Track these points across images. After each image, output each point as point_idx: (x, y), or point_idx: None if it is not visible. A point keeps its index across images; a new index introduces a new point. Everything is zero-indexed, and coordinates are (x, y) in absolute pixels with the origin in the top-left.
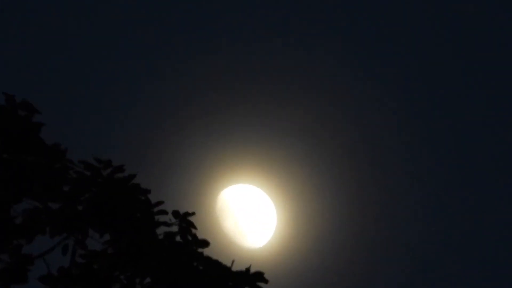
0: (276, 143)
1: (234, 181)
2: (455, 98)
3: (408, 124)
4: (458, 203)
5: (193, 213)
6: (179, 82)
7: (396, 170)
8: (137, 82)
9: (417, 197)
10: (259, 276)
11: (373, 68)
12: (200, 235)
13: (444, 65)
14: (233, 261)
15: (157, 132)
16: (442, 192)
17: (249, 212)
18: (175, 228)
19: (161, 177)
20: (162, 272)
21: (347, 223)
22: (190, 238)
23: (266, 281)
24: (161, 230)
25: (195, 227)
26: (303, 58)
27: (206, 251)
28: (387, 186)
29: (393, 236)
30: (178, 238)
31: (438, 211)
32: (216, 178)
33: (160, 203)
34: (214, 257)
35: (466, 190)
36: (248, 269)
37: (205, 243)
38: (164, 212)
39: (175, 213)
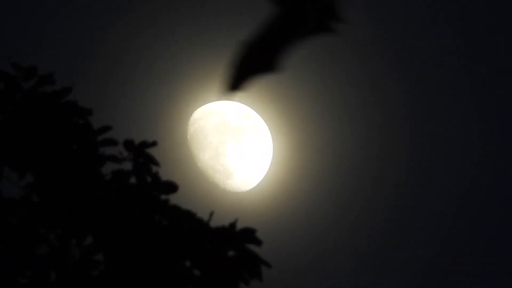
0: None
1: (214, 96)
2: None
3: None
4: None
5: (154, 143)
6: None
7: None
8: None
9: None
10: (249, 234)
11: None
12: (165, 175)
13: None
14: (211, 213)
15: (102, 28)
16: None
17: (235, 141)
18: (128, 165)
19: (109, 93)
20: (108, 229)
21: (366, 159)
22: (149, 179)
23: (259, 242)
24: (107, 169)
25: (157, 164)
26: None
27: (173, 199)
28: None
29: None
30: (132, 180)
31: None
32: (188, 92)
33: (106, 129)
34: (185, 206)
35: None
36: (233, 225)
37: (171, 187)
38: (113, 142)
39: (128, 144)
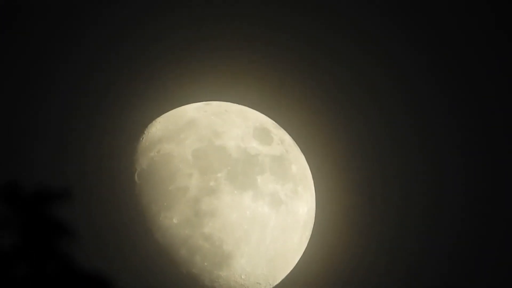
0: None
1: (197, 95)
2: None
3: None
4: None
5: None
6: None
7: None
8: None
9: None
10: None
11: None
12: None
13: None
14: None
15: None
16: None
17: (238, 189)
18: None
19: None
20: None
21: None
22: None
23: None
24: None
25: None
26: None
27: None
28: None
29: None
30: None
31: None
32: (140, 82)
33: None
34: None
35: None
36: None
37: None
38: None
39: None
